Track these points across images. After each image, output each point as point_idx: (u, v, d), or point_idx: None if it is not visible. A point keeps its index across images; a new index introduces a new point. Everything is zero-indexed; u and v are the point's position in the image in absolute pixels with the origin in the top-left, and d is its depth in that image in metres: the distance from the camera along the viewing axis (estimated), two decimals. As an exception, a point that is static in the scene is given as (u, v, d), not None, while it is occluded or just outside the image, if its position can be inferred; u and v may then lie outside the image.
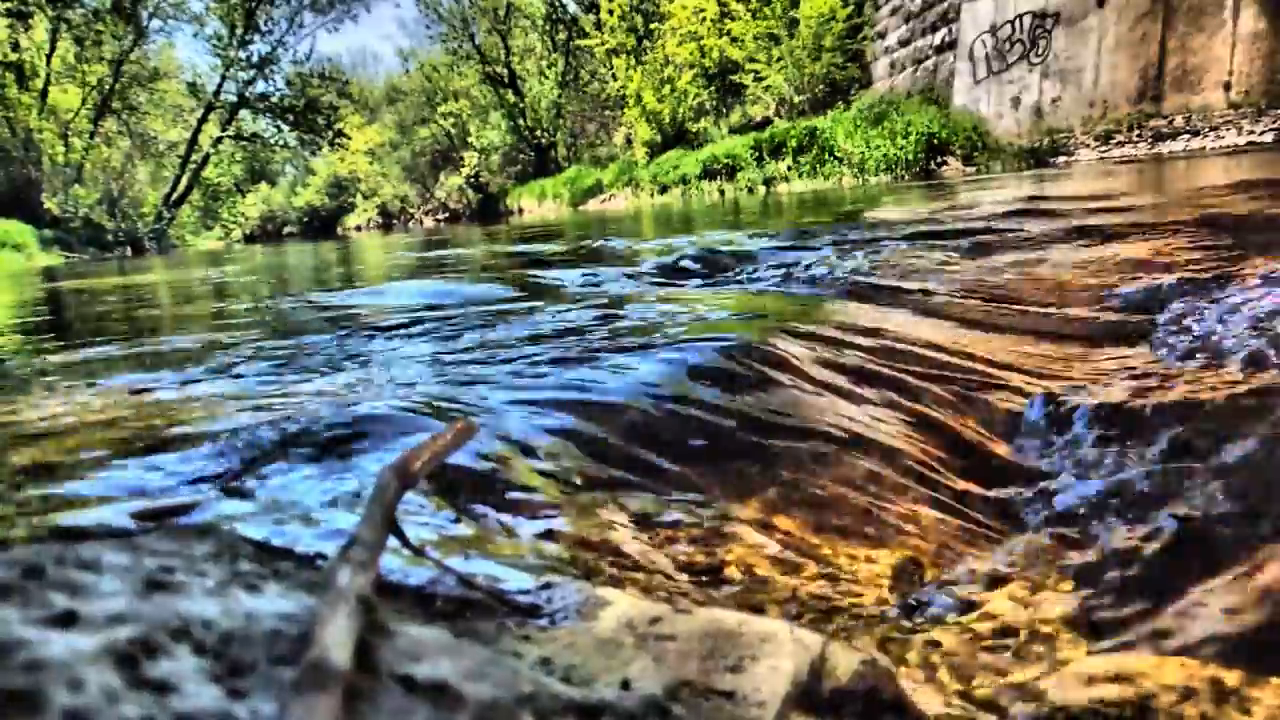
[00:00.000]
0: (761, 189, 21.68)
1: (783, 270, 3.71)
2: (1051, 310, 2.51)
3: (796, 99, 24.62)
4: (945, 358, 1.94)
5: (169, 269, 11.63)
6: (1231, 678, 0.72)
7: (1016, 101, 17.75)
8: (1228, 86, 14.34)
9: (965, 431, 1.55)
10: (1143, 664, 0.75)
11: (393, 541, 0.70)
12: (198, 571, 0.57)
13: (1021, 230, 4.32)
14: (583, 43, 36.94)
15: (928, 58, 20.95)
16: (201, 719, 0.40)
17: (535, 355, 1.88)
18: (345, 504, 0.94)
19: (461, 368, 1.82)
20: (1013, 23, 17.58)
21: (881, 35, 23.28)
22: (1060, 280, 2.97)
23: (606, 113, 39.12)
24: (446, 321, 2.76)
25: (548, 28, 41.71)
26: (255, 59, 39.85)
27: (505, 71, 43.06)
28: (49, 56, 32.88)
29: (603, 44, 33.88)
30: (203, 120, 39.14)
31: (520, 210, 36.72)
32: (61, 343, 3.36)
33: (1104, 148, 15.68)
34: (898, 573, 1.01)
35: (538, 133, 42.31)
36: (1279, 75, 13.77)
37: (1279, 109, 13.78)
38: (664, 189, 26.33)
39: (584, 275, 4.09)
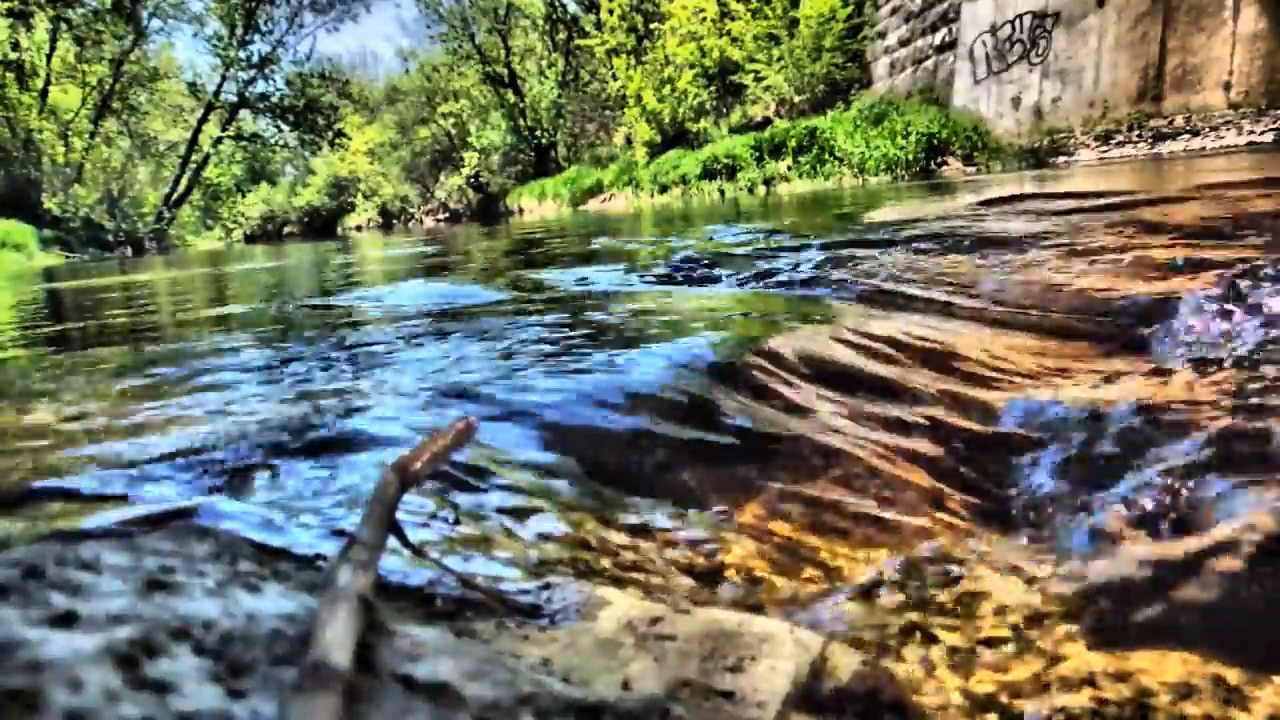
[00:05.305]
0: (761, 189, 21.67)
1: (780, 270, 3.70)
2: (1047, 311, 2.51)
3: (796, 99, 24.61)
4: (943, 357, 1.94)
5: (169, 269, 11.63)
6: (1232, 674, 0.72)
7: (1016, 101, 17.74)
8: (1228, 86, 14.33)
9: (964, 430, 1.55)
10: (1143, 660, 0.75)
11: (393, 541, 0.70)
12: (198, 571, 0.57)
13: (1016, 230, 4.31)
14: (583, 43, 36.93)
15: (928, 58, 20.94)
16: (201, 719, 0.40)
17: (534, 356, 1.88)
18: (345, 504, 0.94)
19: (460, 368, 1.82)
20: (1013, 23, 17.57)
21: (881, 35, 23.27)
22: (1055, 282, 2.96)
23: (606, 113, 39.09)
24: (445, 323, 2.76)
25: (548, 28, 41.71)
26: (255, 59, 39.91)
27: (505, 71, 43.05)
28: (49, 56, 32.90)
29: (603, 44, 33.86)
30: (203, 120, 39.16)
31: (520, 210, 36.70)
32: (63, 344, 3.37)
33: (1104, 148, 15.67)
34: (898, 572, 1.01)
35: (538, 133, 42.29)
36: (1279, 75, 13.76)
37: (1279, 109, 13.77)
38: (664, 189, 26.31)
39: (582, 276, 4.09)
